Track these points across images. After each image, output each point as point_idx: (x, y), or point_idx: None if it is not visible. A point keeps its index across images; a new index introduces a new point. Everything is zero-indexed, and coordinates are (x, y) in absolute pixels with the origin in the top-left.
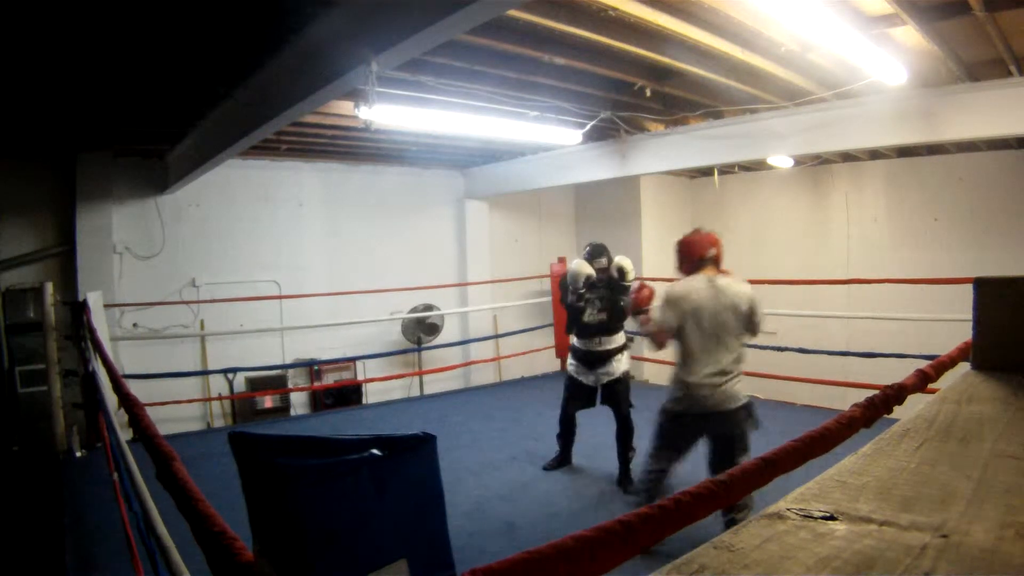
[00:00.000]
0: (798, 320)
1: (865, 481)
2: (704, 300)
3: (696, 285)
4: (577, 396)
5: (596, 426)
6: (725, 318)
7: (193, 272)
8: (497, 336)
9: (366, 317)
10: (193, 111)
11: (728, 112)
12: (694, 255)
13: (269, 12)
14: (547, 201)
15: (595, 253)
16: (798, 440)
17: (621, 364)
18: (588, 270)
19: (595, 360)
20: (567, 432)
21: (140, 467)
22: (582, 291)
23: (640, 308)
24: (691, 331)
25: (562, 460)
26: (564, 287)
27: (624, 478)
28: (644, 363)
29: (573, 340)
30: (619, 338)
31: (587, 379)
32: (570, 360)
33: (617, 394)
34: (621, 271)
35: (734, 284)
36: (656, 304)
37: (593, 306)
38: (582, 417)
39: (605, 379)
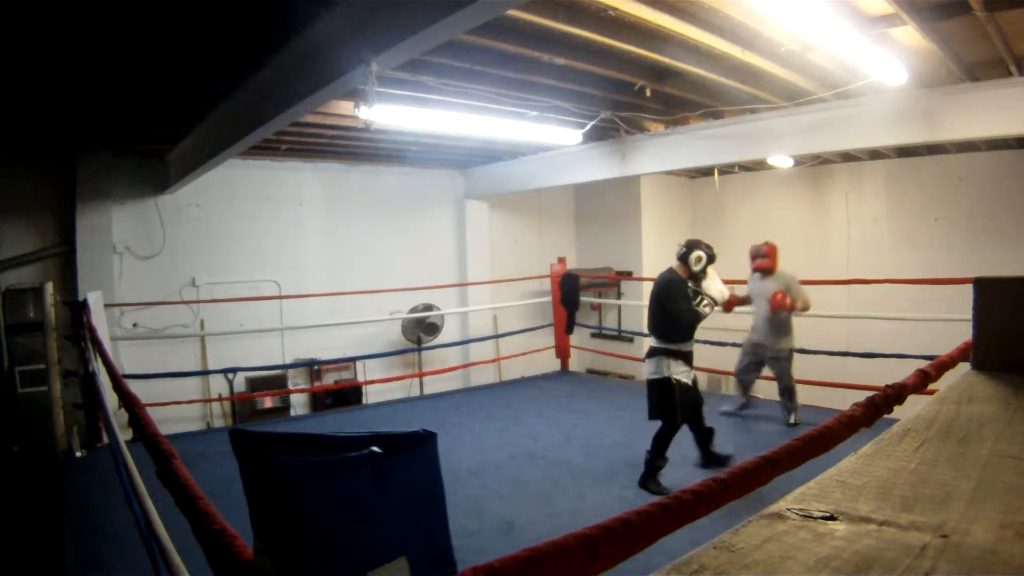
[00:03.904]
0: (798, 320)
1: (865, 481)
2: None
3: None
4: (700, 400)
5: (596, 425)
6: None
7: (193, 272)
8: (497, 336)
9: (366, 317)
10: (193, 111)
11: (728, 112)
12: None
13: (269, 12)
14: (547, 201)
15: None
16: (798, 440)
17: None
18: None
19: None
20: (709, 435)
21: (140, 467)
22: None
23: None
24: None
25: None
26: (671, 295)
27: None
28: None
29: (684, 346)
30: None
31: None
32: (683, 368)
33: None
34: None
35: None
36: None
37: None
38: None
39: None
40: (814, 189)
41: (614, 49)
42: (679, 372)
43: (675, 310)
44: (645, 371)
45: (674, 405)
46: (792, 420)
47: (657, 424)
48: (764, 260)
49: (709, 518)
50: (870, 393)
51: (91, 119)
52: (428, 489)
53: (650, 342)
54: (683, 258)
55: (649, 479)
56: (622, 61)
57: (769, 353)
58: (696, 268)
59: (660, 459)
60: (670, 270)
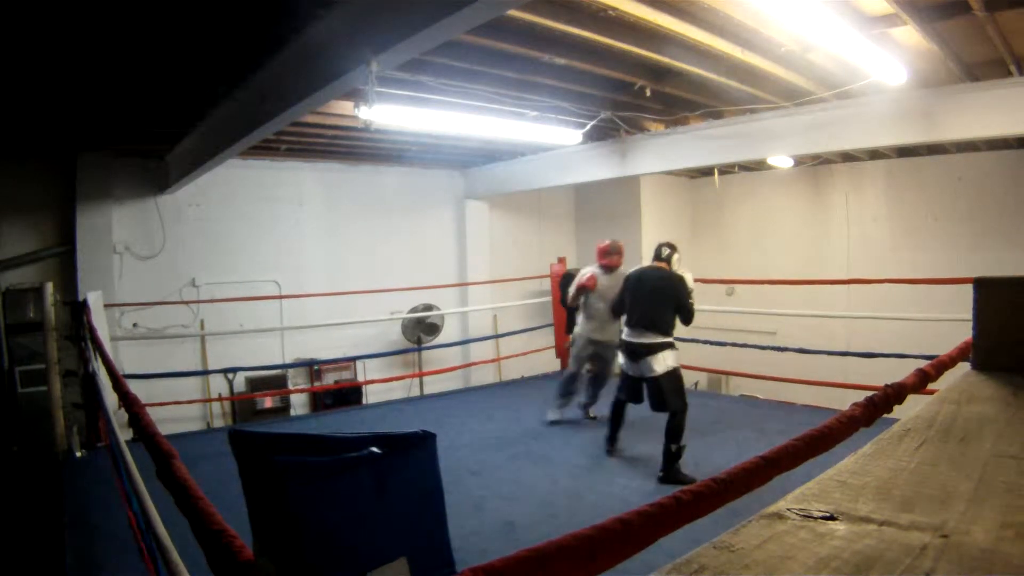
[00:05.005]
0: (798, 320)
1: (865, 481)
2: None
3: None
4: None
5: (596, 425)
6: None
7: (193, 272)
8: (497, 336)
9: (366, 317)
10: (193, 111)
11: (728, 112)
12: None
13: (269, 12)
14: (547, 201)
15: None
16: (798, 440)
17: None
18: None
19: None
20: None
21: (140, 467)
22: None
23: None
24: None
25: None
26: (685, 291)
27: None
28: None
29: (671, 339)
30: None
31: None
32: (674, 355)
33: None
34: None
35: None
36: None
37: None
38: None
39: None
40: (814, 189)
41: (614, 49)
42: (676, 361)
43: (689, 305)
44: (651, 369)
45: (683, 391)
46: (593, 415)
47: (655, 419)
48: (618, 257)
49: (709, 518)
50: (870, 393)
51: (91, 119)
52: (427, 489)
53: (638, 338)
54: (668, 259)
55: (676, 471)
56: (622, 61)
57: (605, 348)
58: (676, 268)
59: (681, 447)
60: (658, 268)
